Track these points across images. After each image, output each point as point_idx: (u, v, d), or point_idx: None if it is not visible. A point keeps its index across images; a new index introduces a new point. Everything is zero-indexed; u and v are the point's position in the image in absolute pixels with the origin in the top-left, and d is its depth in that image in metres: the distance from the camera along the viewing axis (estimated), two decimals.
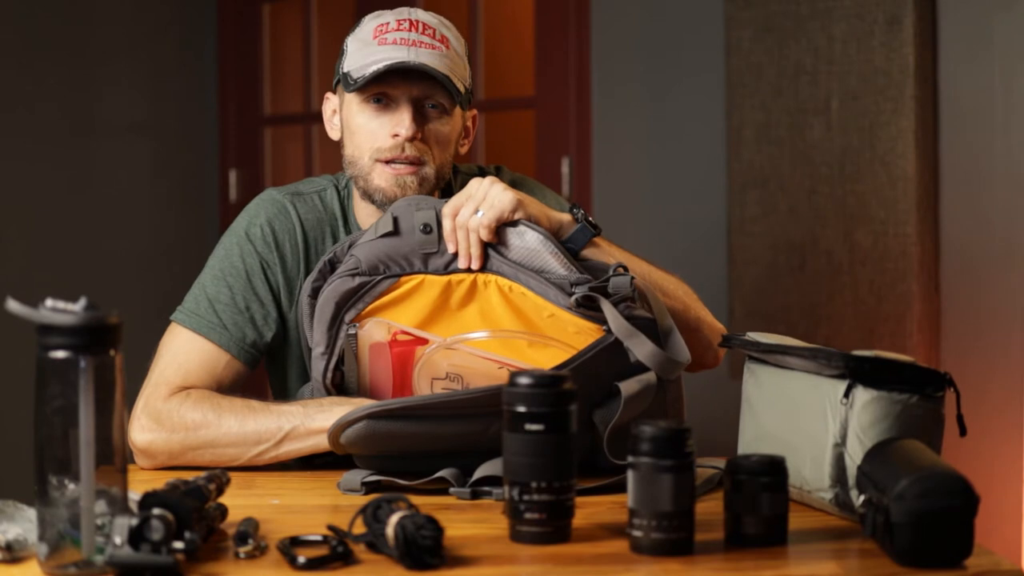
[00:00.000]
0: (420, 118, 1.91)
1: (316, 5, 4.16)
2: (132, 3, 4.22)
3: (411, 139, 1.90)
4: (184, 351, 1.89)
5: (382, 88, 1.91)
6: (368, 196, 1.93)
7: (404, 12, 1.95)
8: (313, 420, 1.76)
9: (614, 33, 3.55)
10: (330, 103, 2.02)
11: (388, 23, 1.93)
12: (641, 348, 1.70)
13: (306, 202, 1.98)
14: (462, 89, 1.92)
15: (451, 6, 3.92)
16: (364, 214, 1.98)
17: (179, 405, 1.82)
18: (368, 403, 1.70)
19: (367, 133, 1.92)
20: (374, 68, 1.88)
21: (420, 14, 1.96)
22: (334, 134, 2.01)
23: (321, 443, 1.75)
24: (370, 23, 1.96)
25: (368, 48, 1.92)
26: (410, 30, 1.92)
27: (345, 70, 1.94)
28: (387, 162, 1.91)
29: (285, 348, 1.96)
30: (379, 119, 1.92)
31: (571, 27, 3.62)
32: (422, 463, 1.69)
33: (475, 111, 2.04)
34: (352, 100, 1.94)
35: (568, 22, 3.63)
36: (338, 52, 1.99)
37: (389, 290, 1.78)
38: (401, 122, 1.90)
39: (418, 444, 1.68)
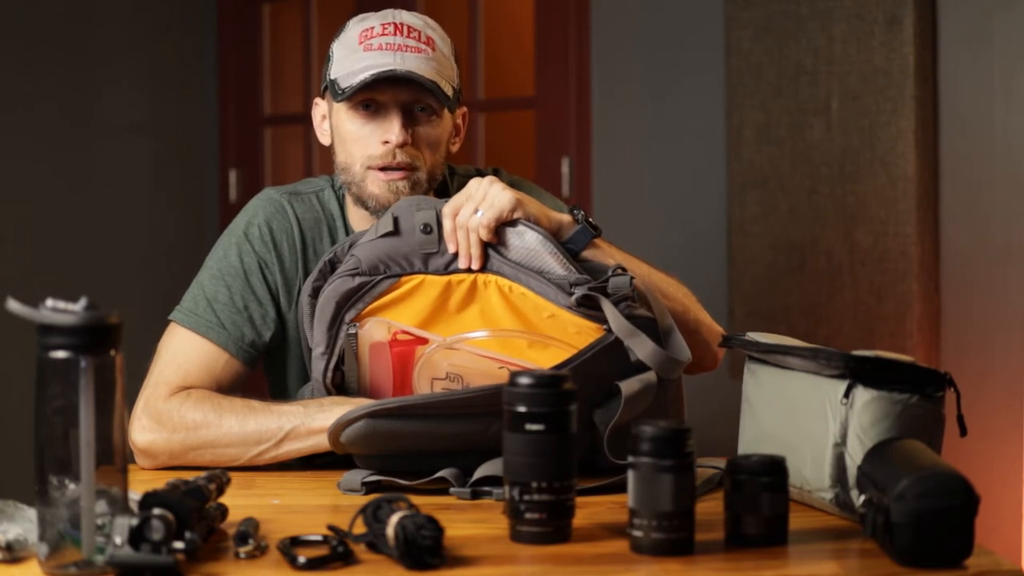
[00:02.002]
0: (410, 122, 1.91)
1: (316, 5, 4.16)
2: (132, 3, 4.22)
3: (401, 145, 1.90)
4: (183, 351, 1.89)
5: (370, 95, 1.91)
6: (361, 203, 1.94)
7: (389, 15, 1.95)
8: (314, 420, 1.76)
9: (614, 33, 3.55)
10: (319, 108, 2.02)
11: (373, 27, 1.93)
12: (642, 347, 1.70)
13: (304, 202, 1.99)
14: (450, 92, 1.92)
15: (451, 6, 3.93)
16: (357, 218, 1.98)
17: (179, 405, 1.82)
18: (368, 402, 1.70)
19: (357, 140, 1.92)
20: (361, 77, 1.88)
21: (405, 16, 1.95)
22: (325, 139, 2.01)
23: (322, 443, 1.75)
24: (355, 28, 1.95)
25: (355, 55, 1.92)
26: (395, 34, 1.91)
27: (332, 77, 1.94)
28: (379, 169, 1.91)
29: (284, 348, 1.96)
30: (369, 126, 1.92)
31: (571, 27, 3.62)
32: (422, 463, 1.69)
33: (464, 109, 2.03)
34: (341, 107, 1.93)
35: (568, 22, 3.63)
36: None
37: (389, 290, 1.78)
38: (391, 129, 1.90)
39: (418, 443, 1.68)
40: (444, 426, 1.67)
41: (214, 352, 1.89)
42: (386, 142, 1.91)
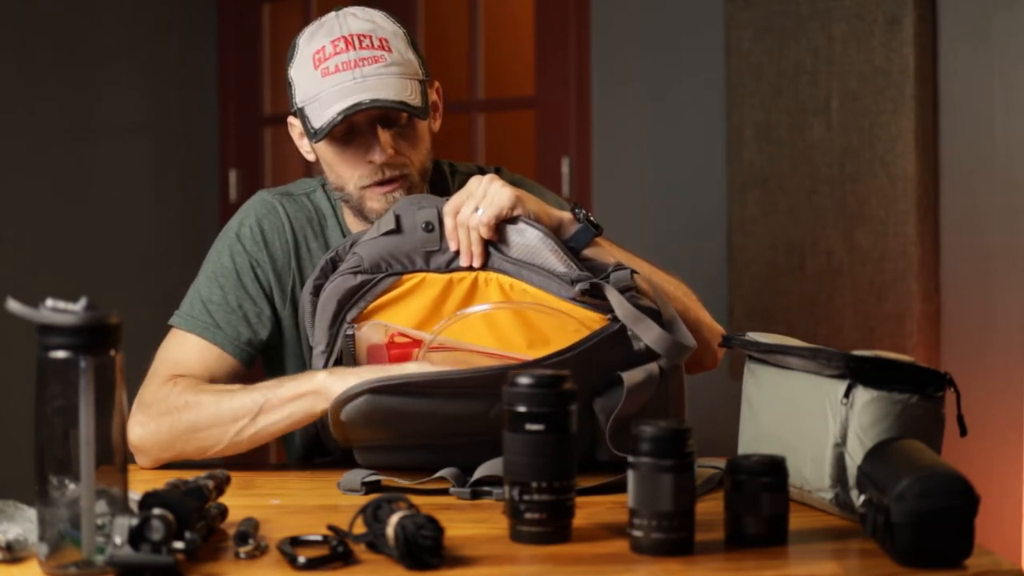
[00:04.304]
0: (390, 129, 1.90)
1: (316, 5, 4.16)
2: (132, 3, 4.21)
3: (387, 161, 1.90)
4: (181, 351, 1.90)
5: (342, 126, 1.89)
6: (362, 216, 1.94)
7: (335, 27, 1.91)
8: (284, 389, 1.76)
9: (614, 33, 3.55)
10: (295, 128, 1.99)
11: (324, 47, 1.89)
12: (648, 332, 1.70)
13: (295, 202, 1.99)
14: (418, 97, 1.89)
15: (451, 6, 3.93)
16: (355, 224, 1.98)
17: (167, 393, 1.83)
18: (365, 373, 1.70)
19: (342, 165, 1.91)
20: (329, 118, 1.86)
21: (351, 23, 1.91)
22: (309, 156, 1.99)
23: (296, 412, 1.75)
24: (306, 49, 1.92)
25: (313, 81, 1.89)
26: (347, 49, 1.88)
27: (299, 105, 1.92)
28: (373, 185, 1.91)
29: (281, 347, 1.96)
30: (350, 148, 1.90)
31: (571, 27, 3.62)
32: (422, 455, 1.69)
33: (437, 84, 2.00)
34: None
35: (568, 22, 3.62)
36: None
37: (391, 288, 1.78)
38: (372, 149, 1.89)
39: (419, 424, 1.67)
40: (446, 405, 1.67)
41: (210, 351, 1.90)
42: (371, 162, 1.90)
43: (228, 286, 1.93)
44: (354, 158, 1.91)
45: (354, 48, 1.88)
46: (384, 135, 1.89)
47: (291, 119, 2.00)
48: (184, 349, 1.90)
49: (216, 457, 1.80)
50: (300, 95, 1.92)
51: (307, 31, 1.94)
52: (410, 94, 1.88)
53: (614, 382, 1.70)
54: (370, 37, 1.90)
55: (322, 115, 1.87)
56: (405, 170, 1.91)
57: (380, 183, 1.91)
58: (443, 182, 2.03)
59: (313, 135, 1.89)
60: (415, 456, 1.72)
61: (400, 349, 1.77)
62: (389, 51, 1.89)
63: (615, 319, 1.71)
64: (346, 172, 1.92)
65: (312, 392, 1.73)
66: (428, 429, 1.69)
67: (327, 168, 1.95)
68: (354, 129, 1.90)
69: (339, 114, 1.86)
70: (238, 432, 1.78)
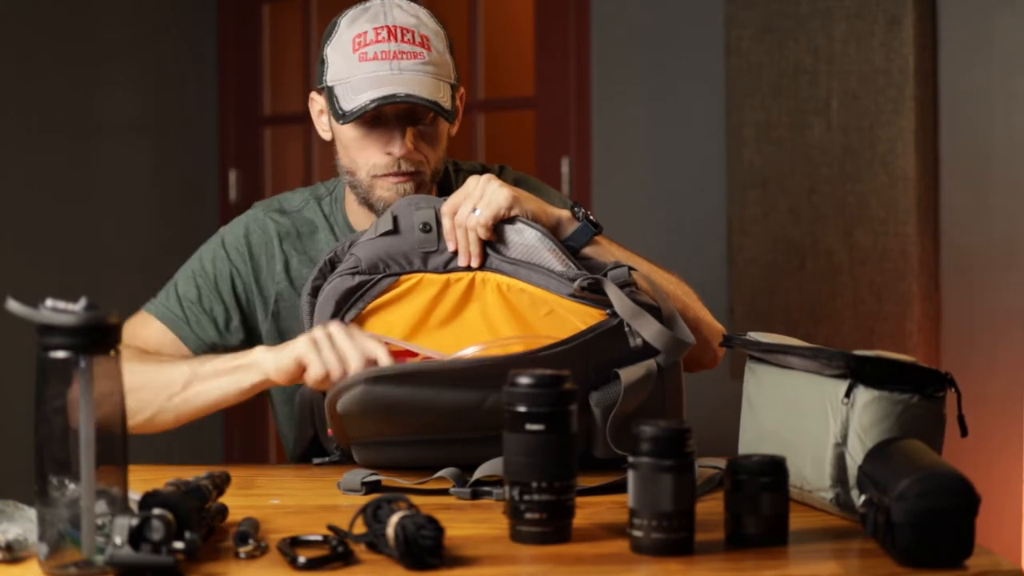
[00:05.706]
0: (414, 125, 1.91)
1: (316, 5, 4.16)
2: (132, 3, 4.21)
3: (405, 155, 1.90)
4: (144, 332, 1.95)
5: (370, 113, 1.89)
6: (368, 204, 1.94)
7: (380, 15, 1.91)
8: (219, 361, 1.77)
9: (614, 33, 3.55)
10: (316, 104, 2.00)
11: (366, 32, 1.90)
12: (647, 328, 1.70)
13: (287, 217, 2.01)
14: (448, 100, 1.90)
15: (451, 6, 3.93)
16: (358, 216, 1.98)
17: None
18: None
19: (360, 150, 1.92)
20: (361, 103, 1.87)
21: (397, 14, 1.92)
22: (325, 135, 2.01)
23: (226, 385, 1.76)
24: (346, 31, 1.92)
25: (350, 63, 1.90)
26: (389, 39, 1.89)
27: (330, 84, 1.92)
28: (388, 175, 1.91)
29: None
30: (371, 135, 1.91)
31: (571, 27, 3.62)
32: (417, 451, 1.69)
33: (462, 90, 2.01)
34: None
35: (568, 22, 3.62)
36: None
37: (388, 289, 1.78)
38: (393, 141, 1.90)
39: (414, 415, 1.67)
40: (441, 395, 1.66)
41: (174, 343, 1.95)
42: (389, 153, 1.90)
43: (204, 288, 1.97)
44: (373, 146, 1.91)
45: (395, 40, 1.89)
46: (408, 130, 1.90)
47: (314, 95, 2.00)
48: (148, 332, 1.94)
49: (145, 426, 1.81)
50: (332, 74, 1.92)
51: (350, 13, 1.95)
52: (442, 95, 1.89)
53: (611, 378, 1.70)
54: (412, 32, 1.90)
55: (353, 99, 1.88)
56: (420, 167, 1.92)
57: (394, 174, 1.91)
58: (447, 180, 2.03)
59: (340, 116, 1.90)
60: (411, 452, 1.72)
61: (394, 358, 1.76)
62: (429, 50, 1.90)
63: (614, 314, 1.71)
64: (361, 158, 1.92)
65: (245, 365, 1.74)
66: (422, 420, 1.69)
67: (342, 149, 1.95)
68: (380, 118, 1.90)
69: (372, 101, 1.86)
70: (168, 398, 1.79)
